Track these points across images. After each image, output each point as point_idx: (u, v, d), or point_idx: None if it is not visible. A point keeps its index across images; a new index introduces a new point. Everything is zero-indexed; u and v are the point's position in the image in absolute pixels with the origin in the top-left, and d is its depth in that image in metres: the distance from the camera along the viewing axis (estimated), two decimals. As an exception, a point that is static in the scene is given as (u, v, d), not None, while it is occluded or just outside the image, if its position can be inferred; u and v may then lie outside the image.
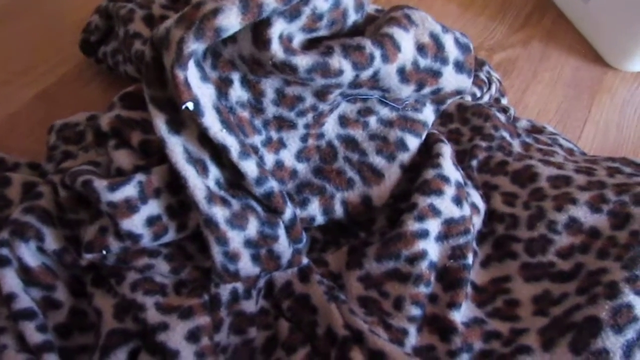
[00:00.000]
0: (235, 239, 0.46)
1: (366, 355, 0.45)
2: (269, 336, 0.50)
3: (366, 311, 0.48)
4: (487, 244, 0.53)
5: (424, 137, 0.56)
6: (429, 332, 0.45)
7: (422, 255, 0.47)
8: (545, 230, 0.52)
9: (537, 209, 0.54)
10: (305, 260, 0.53)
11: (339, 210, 0.53)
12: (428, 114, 0.56)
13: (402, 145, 0.54)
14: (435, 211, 0.49)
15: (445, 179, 0.51)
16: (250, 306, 0.51)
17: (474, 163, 0.60)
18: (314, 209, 0.53)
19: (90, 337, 0.49)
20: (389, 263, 0.49)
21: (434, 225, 0.48)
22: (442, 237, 0.48)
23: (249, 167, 0.46)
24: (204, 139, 0.47)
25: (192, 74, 0.43)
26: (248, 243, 0.47)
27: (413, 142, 0.54)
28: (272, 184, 0.48)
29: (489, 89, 0.75)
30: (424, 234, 0.48)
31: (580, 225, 0.52)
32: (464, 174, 0.57)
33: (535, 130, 0.71)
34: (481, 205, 0.55)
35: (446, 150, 0.53)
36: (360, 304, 0.49)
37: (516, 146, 0.65)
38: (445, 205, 0.49)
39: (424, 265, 0.47)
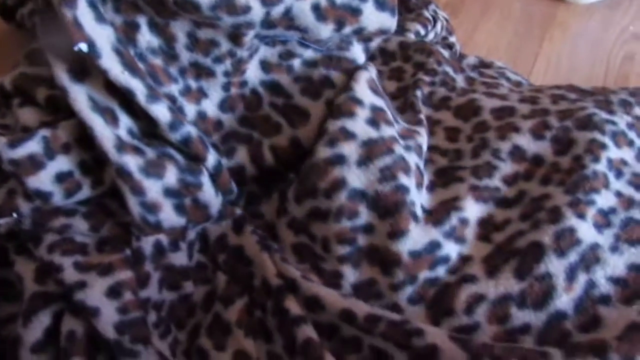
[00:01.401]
0: (152, 188, 0.43)
1: (302, 302, 0.43)
2: (209, 291, 0.48)
3: (299, 258, 0.46)
4: (430, 172, 0.51)
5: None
6: (370, 265, 0.43)
7: (340, 184, 0.44)
8: (489, 157, 0.50)
9: (481, 140, 0.52)
10: (238, 211, 0.50)
11: (268, 157, 0.50)
12: (357, 52, 0.53)
13: (327, 83, 0.51)
14: (347, 134, 0.46)
15: (357, 101, 0.48)
16: (180, 259, 0.48)
17: (418, 93, 0.57)
18: (242, 157, 0.50)
19: (17, 306, 0.46)
20: (308, 202, 0.46)
21: (349, 149, 0.45)
22: (364, 160, 0.45)
23: (160, 111, 0.43)
24: (112, 87, 0.43)
25: (83, 14, 0.40)
26: (168, 192, 0.44)
27: (340, 79, 0.51)
28: (189, 129, 0.46)
29: (434, 27, 0.72)
30: (338, 160, 0.45)
31: (523, 152, 0.50)
32: (408, 102, 0.55)
33: (482, 65, 0.69)
34: (425, 130, 0.52)
35: (362, 76, 0.50)
36: (294, 251, 0.47)
37: (460, 81, 0.62)
38: (360, 127, 0.46)
39: (343, 196, 0.44)
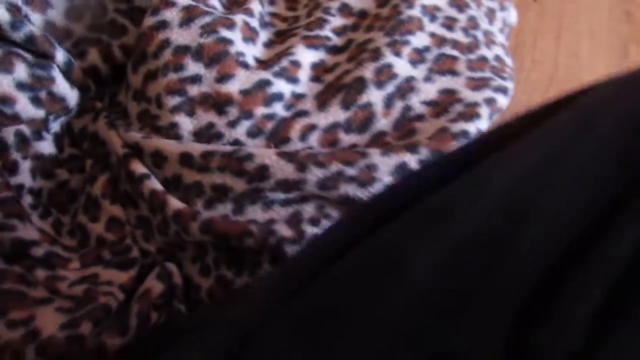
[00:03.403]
0: (4, 82, 0.46)
1: (148, 159, 0.47)
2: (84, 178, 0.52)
3: (142, 125, 0.50)
4: (270, 33, 0.56)
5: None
6: (204, 112, 0.47)
7: (164, 44, 0.48)
8: (321, 14, 0.55)
9: (314, 4, 0.57)
10: (99, 105, 0.54)
11: (118, 55, 0.53)
12: None
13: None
14: (168, 3, 0.49)
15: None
16: (47, 148, 0.51)
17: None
18: (94, 58, 0.53)
19: None
20: (141, 68, 0.49)
21: (171, 15, 0.48)
22: (185, 21, 0.48)
23: (-1, 12, 0.44)
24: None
25: None
26: (21, 86, 0.47)
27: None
28: (31, 28, 0.47)
29: None
30: (162, 25, 0.48)
31: (351, 8, 0.56)
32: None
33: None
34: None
35: None
36: (138, 120, 0.50)
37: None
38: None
39: (167, 53, 0.48)
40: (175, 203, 0.43)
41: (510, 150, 0.23)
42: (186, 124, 0.47)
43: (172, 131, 0.47)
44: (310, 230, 0.44)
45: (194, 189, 0.45)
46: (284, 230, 0.43)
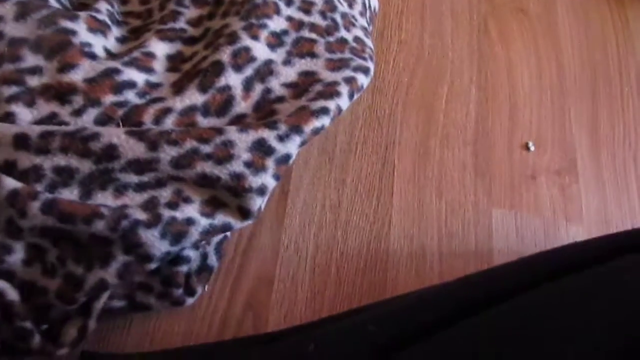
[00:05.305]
0: None
1: None
2: None
3: None
4: (125, 30, 0.54)
5: None
6: (46, 101, 0.44)
7: None
8: (174, 6, 0.54)
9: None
10: None
11: None
12: None
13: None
14: None
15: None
16: None
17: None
18: None
19: None
20: None
21: (4, 10, 0.45)
22: (21, 15, 0.44)
23: None
24: None
25: None
26: None
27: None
28: None
29: None
30: None
31: (204, 1, 0.55)
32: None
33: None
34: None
35: None
36: None
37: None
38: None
39: (1, 45, 0.44)
40: (10, 182, 0.39)
41: None
42: (24, 113, 0.43)
43: (8, 120, 0.43)
44: (168, 213, 0.42)
45: (32, 173, 0.40)
46: (138, 214, 0.41)
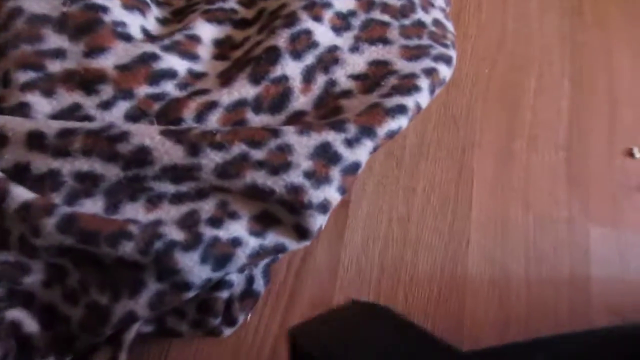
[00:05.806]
0: None
1: None
2: None
3: None
4: (167, 12, 0.46)
5: None
6: (67, 90, 0.36)
7: (15, 12, 0.38)
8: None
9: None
10: None
11: None
12: None
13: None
14: None
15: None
16: None
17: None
18: None
19: None
20: None
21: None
22: None
23: None
24: None
25: None
26: None
27: None
28: None
29: None
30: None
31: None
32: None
33: None
34: None
35: None
36: None
37: None
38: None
39: (19, 22, 0.37)
40: (20, 192, 0.32)
41: None
42: (41, 104, 0.36)
43: (19, 113, 0.36)
44: (210, 232, 0.34)
45: (48, 180, 0.33)
46: (175, 233, 0.33)
